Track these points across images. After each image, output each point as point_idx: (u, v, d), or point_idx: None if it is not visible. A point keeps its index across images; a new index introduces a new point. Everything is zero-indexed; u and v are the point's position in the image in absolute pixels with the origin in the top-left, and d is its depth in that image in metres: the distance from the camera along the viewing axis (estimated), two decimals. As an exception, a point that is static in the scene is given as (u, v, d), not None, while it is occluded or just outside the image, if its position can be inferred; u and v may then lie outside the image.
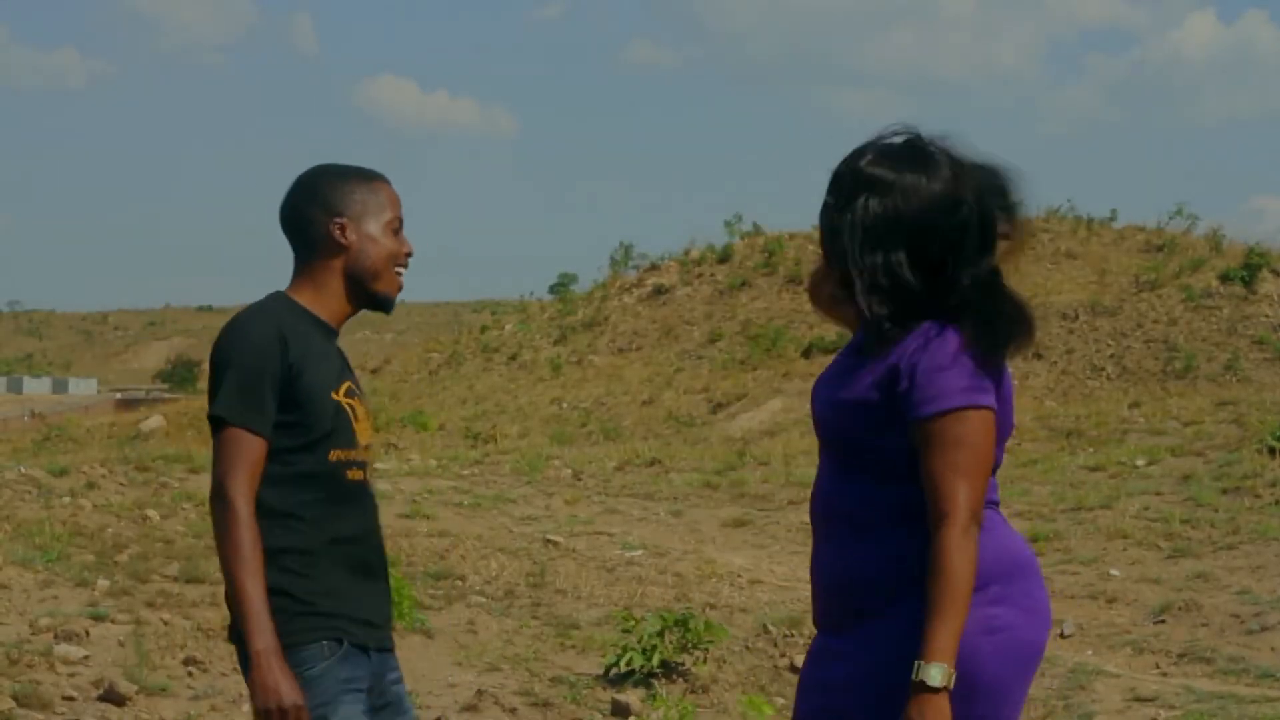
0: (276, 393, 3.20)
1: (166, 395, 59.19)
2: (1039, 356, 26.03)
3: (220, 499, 3.14)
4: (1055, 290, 28.07)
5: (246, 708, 6.94)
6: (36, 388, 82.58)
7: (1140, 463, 14.94)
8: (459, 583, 10.23)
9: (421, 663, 8.29)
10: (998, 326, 2.91)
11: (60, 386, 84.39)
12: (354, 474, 3.30)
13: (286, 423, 3.21)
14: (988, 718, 2.88)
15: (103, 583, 8.83)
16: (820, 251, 3.05)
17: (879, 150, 2.98)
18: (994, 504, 2.95)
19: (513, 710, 7.67)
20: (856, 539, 2.94)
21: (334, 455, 3.26)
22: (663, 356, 30.64)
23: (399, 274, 3.39)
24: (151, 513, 11.15)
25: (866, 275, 2.92)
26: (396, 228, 3.38)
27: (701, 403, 27.12)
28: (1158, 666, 9.25)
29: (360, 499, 3.32)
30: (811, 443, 3.24)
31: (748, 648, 9.06)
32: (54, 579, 8.84)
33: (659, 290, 33.52)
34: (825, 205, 3.00)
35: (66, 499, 11.46)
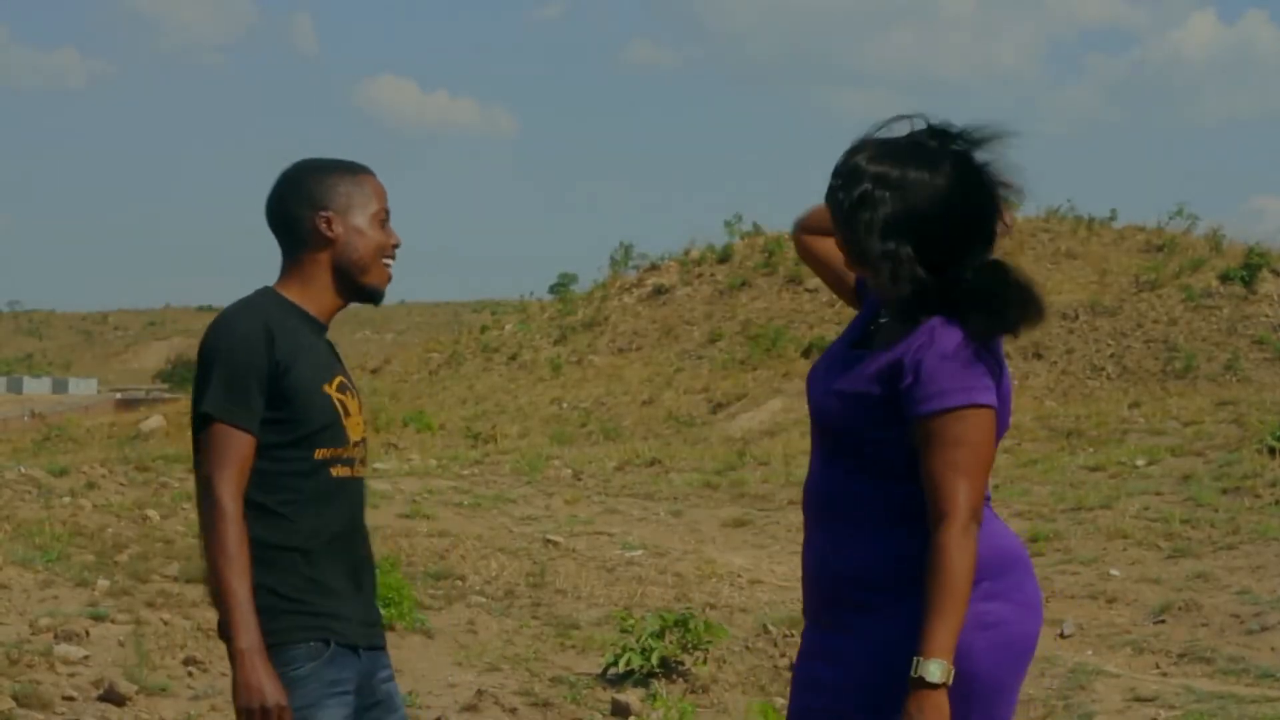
0: (264, 388, 3.17)
1: (166, 395, 59.17)
2: (1039, 356, 26.05)
3: (207, 496, 3.12)
4: (1055, 290, 28.06)
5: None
6: (36, 388, 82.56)
7: (1140, 463, 14.93)
8: (459, 583, 10.23)
9: (421, 663, 8.29)
10: (1004, 315, 2.92)
11: (60, 386, 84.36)
12: (340, 471, 3.26)
13: (274, 419, 3.18)
14: (985, 713, 2.89)
15: (103, 583, 8.83)
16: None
17: (883, 145, 2.98)
18: (985, 499, 2.96)
19: (513, 710, 7.67)
20: (852, 532, 2.95)
21: (321, 453, 3.23)
22: (663, 356, 30.63)
23: (387, 266, 3.37)
24: (151, 513, 11.15)
25: (888, 265, 2.92)
26: (383, 219, 3.36)
27: (701, 403, 27.12)
28: (1158, 666, 9.25)
29: (348, 496, 3.28)
30: (811, 443, 3.24)
31: (748, 648, 9.06)
32: (54, 579, 8.84)
33: (659, 290, 33.51)
34: (836, 199, 2.99)
35: (66, 499, 11.46)
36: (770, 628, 9.37)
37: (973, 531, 2.81)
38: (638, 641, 8.19)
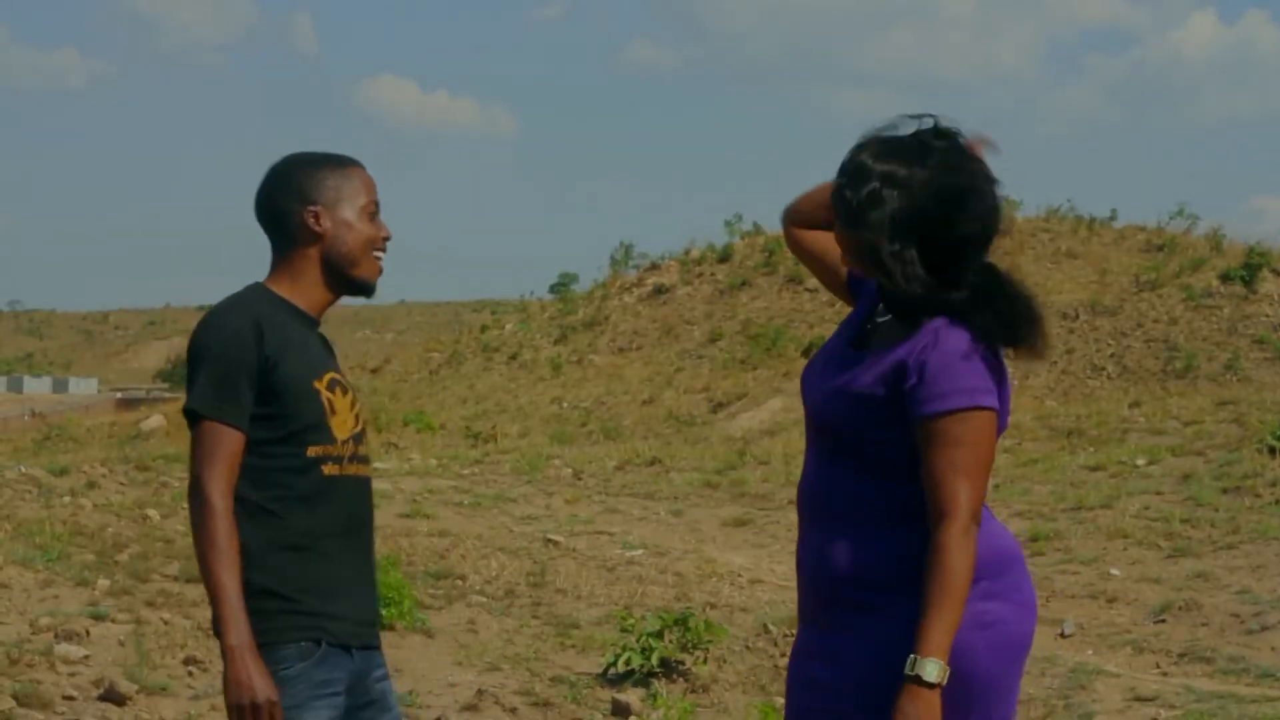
0: (253, 384, 3.15)
1: (167, 395, 59.15)
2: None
3: (196, 493, 3.11)
4: (1055, 290, 28.08)
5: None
6: (37, 387, 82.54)
7: (1140, 462, 14.93)
8: (459, 582, 10.23)
9: (422, 662, 8.30)
10: (1010, 323, 2.92)
11: (60, 386, 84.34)
12: (331, 469, 3.23)
13: (265, 415, 3.16)
14: (983, 712, 2.89)
15: (103, 582, 8.83)
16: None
17: (888, 143, 2.97)
18: None
19: (513, 710, 7.67)
20: (852, 532, 2.94)
21: (314, 450, 3.20)
22: (663, 356, 30.64)
23: (378, 258, 3.35)
24: (152, 512, 11.15)
25: (899, 266, 2.91)
26: (373, 212, 3.33)
27: (702, 402, 27.13)
28: (1158, 666, 9.25)
29: (341, 494, 3.25)
30: (812, 442, 3.23)
31: (748, 647, 9.06)
32: (54, 578, 8.85)
33: (659, 290, 33.53)
34: (843, 197, 2.97)
35: (67, 498, 11.47)
36: (771, 627, 9.37)
37: (973, 533, 2.82)
38: (638, 641, 8.19)
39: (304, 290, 3.30)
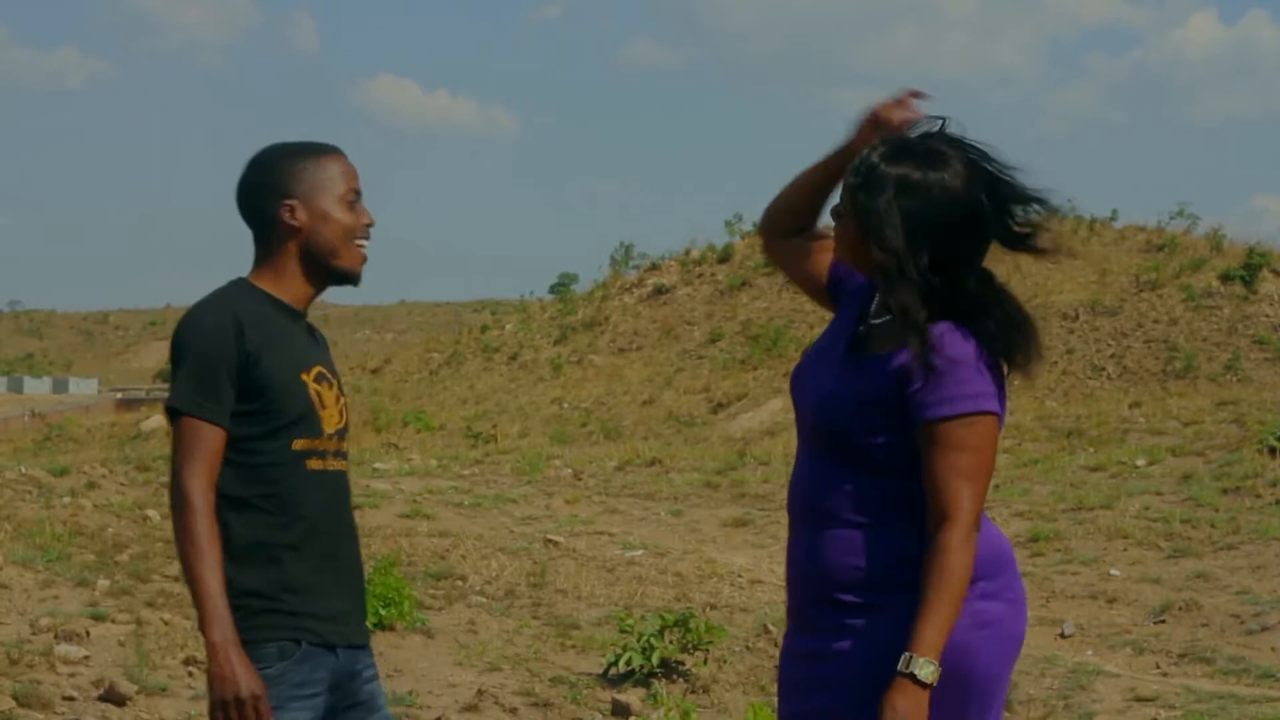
0: (234, 381, 3.13)
1: (167, 395, 59.14)
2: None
3: (176, 491, 3.08)
4: (1055, 290, 28.08)
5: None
6: (37, 387, 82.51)
7: (1140, 463, 14.94)
8: (459, 583, 10.23)
9: (422, 663, 8.29)
10: (1014, 333, 2.93)
11: (60, 386, 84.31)
12: (315, 463, 3.20)
13: (248, 410, 3.14)
14: (980, 709, 2.91)
15: (103, 582, 8.83)
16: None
17: (898, 146, 2.96)
18: None
19: (513, 710, 7.67)
20: (848, 532, 2.94)
21: (298, 444, 3.18)
22: (663, 356, 30.65)
23: (360, 247, 3.30)
24: (152, 512, 11.15)
25: (912, 268, 2.90)
26: (352, 200, 3.28)
27: (702, 403, 27.13)
28: (1158, 666, 9.26)
29: (326, 490, 3.22)
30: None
31: (748, 648, 9.06)
32: (54, 579, 8.84)
33: (659, 290, 33.53)
34: (855, 200, 2.95)
35: (67, 499, 11.47)
36: (771, 627, 9.37)
37: (974, 538, 2.83)
38: (638, 641, 8.19)
39: (286, 283, 3.27)
